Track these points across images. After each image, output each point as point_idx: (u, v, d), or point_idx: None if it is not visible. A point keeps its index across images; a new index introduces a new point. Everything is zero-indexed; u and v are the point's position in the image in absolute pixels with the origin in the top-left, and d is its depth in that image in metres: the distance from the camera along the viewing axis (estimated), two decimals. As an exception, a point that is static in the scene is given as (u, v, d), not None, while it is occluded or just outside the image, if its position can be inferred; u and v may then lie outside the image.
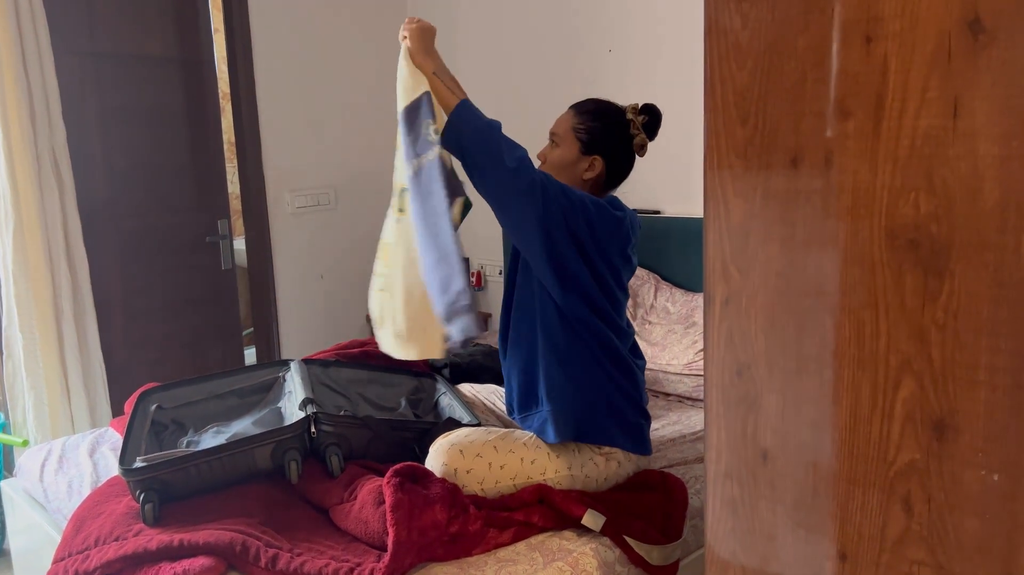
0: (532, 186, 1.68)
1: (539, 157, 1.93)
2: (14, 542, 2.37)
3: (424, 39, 1.80)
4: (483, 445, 1.80)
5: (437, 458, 1.79)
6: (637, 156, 1.93)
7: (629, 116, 1.88)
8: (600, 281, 1.81)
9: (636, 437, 1.89)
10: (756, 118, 1.01)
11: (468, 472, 1.77)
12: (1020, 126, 0.78)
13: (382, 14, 3.98)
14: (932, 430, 0.88)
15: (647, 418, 1.94)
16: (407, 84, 1.80)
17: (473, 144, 1.71)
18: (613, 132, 1.87)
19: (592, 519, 1.69)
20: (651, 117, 1.90)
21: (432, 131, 1.72)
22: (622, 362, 1.87)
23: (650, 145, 1.93)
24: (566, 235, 1.72)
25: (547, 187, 1.69)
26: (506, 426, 2.09)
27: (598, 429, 1.85)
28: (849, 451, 0.96)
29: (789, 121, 0.98)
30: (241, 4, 3.51)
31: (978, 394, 0.84)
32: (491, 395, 2.25)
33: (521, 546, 1.67)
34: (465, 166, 1.74)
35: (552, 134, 1.93)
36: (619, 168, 1.92)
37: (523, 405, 1.91)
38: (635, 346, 2.00)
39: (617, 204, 1.88)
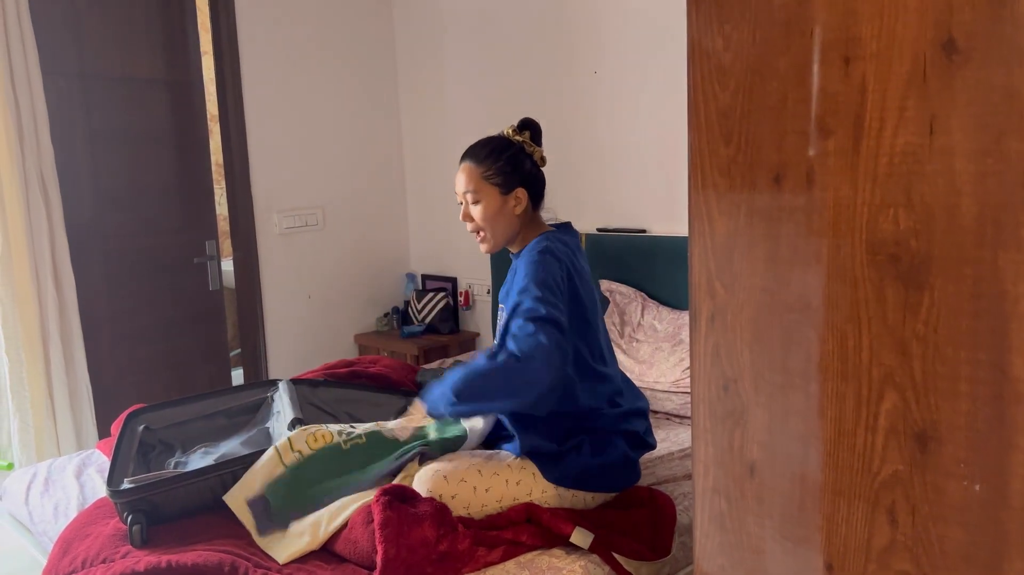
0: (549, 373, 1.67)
1: (463, 219, 1.96)
2: (-2, 566, 2.35)
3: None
4: (467, 470, 1.80)
5: (422, 486, 1.78)
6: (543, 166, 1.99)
7: (517, 139, 1.94)
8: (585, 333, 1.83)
9: (630, 472, 1.92)
10: (739, 137, 1.03)
11: (453, 498, 1.76)
12: (994, 143, 0.80)
13: (369, 35, 4.01)
14: (915, 441, 0.89)
15: (648, 447, 1.97)
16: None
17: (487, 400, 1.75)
18: (516, 160, 1.93)
19: (580, 536, 1.70)
20: (531, 130, 1.97)
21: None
22: (614, 407, 1.90)
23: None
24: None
25: (551, 338, 1.66)
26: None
27: (599, 484, 1.88)
28: (834, 463, 0.97)
29: (771, 140, 1.00)
30: (229, 26, 3.53)
31: (959, 405, 0.86)
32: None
33: (510, 564, 1.67)
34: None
35: (466, 193, 1.93)
36: (538, 187, 1.98)
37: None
38: (630, 386, 2.02)
39: (555, 251, 1.83)
